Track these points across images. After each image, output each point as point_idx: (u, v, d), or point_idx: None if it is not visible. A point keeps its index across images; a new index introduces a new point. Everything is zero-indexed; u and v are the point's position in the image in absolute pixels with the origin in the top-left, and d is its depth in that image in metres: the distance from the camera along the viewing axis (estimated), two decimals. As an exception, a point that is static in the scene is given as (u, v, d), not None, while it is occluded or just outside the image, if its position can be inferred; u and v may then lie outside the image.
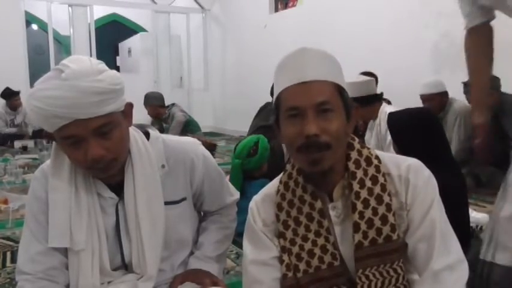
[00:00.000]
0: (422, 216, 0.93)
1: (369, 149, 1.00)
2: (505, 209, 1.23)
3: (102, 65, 1.00)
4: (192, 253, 1.27)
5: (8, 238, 2.63)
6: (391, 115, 1.89)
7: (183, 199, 1.20)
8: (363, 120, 3.44)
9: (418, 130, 1.73)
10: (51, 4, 7.70)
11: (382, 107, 3.21)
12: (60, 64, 0.97)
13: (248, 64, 7.69)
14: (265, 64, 6.31)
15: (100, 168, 1.02)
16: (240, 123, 6.94)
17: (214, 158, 1.35)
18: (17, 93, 6.34)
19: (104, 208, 1.12)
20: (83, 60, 0.98)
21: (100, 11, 9.18)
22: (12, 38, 7.24)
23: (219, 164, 1.35)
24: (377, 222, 0.92)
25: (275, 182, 1.06)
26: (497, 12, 1.41)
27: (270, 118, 3.58)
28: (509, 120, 2.99)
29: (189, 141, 1.25)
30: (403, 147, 1.77)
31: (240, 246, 1.45)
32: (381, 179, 0.94)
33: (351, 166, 0.96)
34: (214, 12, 8.88)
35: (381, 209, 0.92)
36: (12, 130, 6.51)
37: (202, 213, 1.36)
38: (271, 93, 4.14)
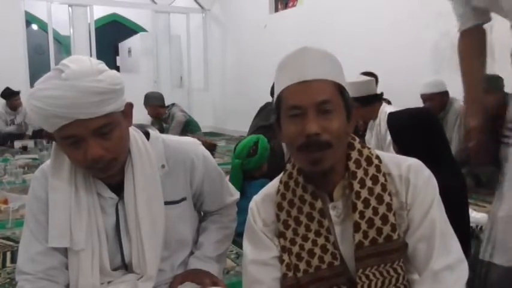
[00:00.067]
0: (422, 216, 0.93)
1: (369, 148, 1.00)
2: (502, 209, 1.23)
3: (102, 65, 1.00)
4: (192, 253, 1.27)
5: (8, 238, 2.63)
6: (391, 115, 1.89)
7: (183, 199, 1.20)
8: (363, 120, 3.44)
9: (418, 130, 1.73)
10: (51, 4, 7.70)
11: (382, 107, 3.21)
12: (60, 64, 0.97)
13: (248, 64, 7.69)
14: (265, 64, 6.30)
15: (100, 168, 1.02)
16: (240, 123, 6.94)
17: (214, 158, 1.35)
18: (17, 93, 6.34)
19: (104, 208, 1.12)
20: (83, 60, 0.98)
21: (100, 11, 9.18)
22: (12, 38, 7.24)
23: (219, 164, 1.35)
24: (377, 222, 0.92)
25: (275, 182, 1.06)
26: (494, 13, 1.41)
27: (270, 118, 3.58)
28: None
29: (189, 141, 1.25)
30: (402, 147, 1.77)
31: (240, 246, 1.45)
32: (382, 179, 0.94)
33: (352, 166, 0.96)
34: (214, 12, 8.88)
35: (382, 209, 0.92)
36: (12, 128, 6.51)
37: (202, 213, 1.36)
38: (271, 93, 4.14)
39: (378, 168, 0.95)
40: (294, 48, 0.95)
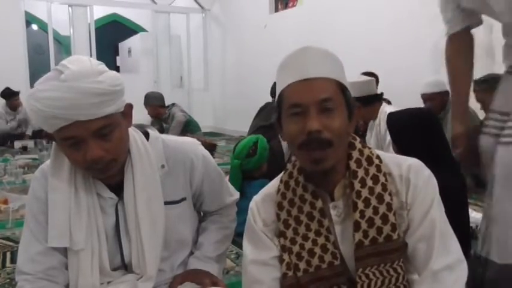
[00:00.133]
0: (422, 216, 0.93)
1: (370, 148, 1.00)
2: (494, 209, 1.24)
3: (102, 66, 1.00)
4: (191, 253, 1.27)
5: (8, 238, 2.63)
6: (391, 115, 1.89)
7: (183, 199, 1.20)
8: (363, 120, 3.44)
9: (418, 130, 1.73)
10: (51, 4, 7.70)
11: (382, 107, 3.21)
12: (60, 65, 0.97)
13: (248, 64, 7.69)
14: (265, 64, 6.31)
15: (99, 169, 1.02)
16: (240, 123, 6.94)
17: (214, 158, 1.35)
18: (17, 93, 6.34)
19: (104, 208, 1.12)
20: (83, 61, 0.98)
21: (100, 11, 9.18)
22: (12, 38, 7.24)
23: (218, 164, 1.35)
24: (378, 222, 0.92)
25: (275, 181, 1.06)
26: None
27: (270, 118, 3.58)
28: None
29: (189, 141, 1.25)
30: (402, 147, 1.77)
31: (240, 246, 1.45)
32: (382, 179, 0.94)
33: (352, 165, 0.96)
34: (214, 12, 8.88)
35: (382, 208, 0.92)
36: (13, 124, 6.51)
37: (202, 214, 1.36)
38: (271, 94, 4.15)
39: (379, 168, 0.96)
40: (294, 48, 0.95)
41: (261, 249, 1.01)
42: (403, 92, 3.87)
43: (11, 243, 2.54)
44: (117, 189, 1.12)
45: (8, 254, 2.38)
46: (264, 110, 3.96)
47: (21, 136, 6.47)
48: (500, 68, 1.47)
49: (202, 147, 1.26)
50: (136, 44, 9.80)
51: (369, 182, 0.94)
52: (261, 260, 1.00)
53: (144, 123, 1.33)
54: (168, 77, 9.09)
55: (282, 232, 0.99)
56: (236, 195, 1.39)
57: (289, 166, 1.04)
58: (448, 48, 1.49)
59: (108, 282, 1.13)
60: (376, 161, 0.96)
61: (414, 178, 0.94)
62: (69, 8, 7.95)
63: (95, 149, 0.97)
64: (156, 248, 1.13)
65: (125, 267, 1.16)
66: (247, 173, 2.58)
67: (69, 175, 1.08)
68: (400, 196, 0.95)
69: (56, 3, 7.83)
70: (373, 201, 0.93)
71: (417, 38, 4.56)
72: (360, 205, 0.93)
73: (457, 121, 1.47)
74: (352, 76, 3.01)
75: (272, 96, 4.10)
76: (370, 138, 3.30)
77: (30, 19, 8.98)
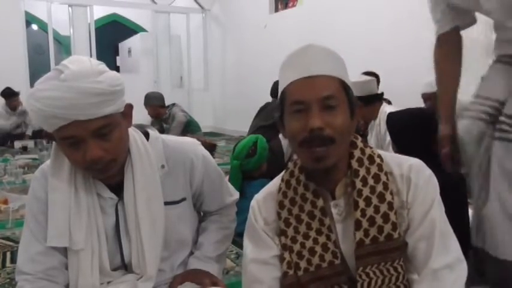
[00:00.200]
0: (422, 215, 0.93)
1: (371, 148, 1.00)
2: (490, 206, 1.25)
3: (102, 66, 1.00)
4: (191, 253, 1.27)
5: (8, 238, 2.63)
6: (391, 116, 1.89)
7: (183, 199, 1.20)
8: (363, 120, 3.44)
9: (418, 130, 1.73)
10: (51, 4, 7.70)
11: (382, 107, 3.21)
12: (60, 65, 0.97)
13: (248, 64, 7.69)
14: (265, 64, 6.31)
15: (98, 169, 1.01)
16: (240, 123, 6.94)
17: (214, 158, 1.35)
18: (17, 93, 6.35)
19: (104, 208, 1.12)
20: (83, 61, 0.98)
21: (100, 11, 9.19)
22: (12, 38, 7.25)
23: (218, 164, 1.35)
24: (379, 220, 0.92)
25: (277, 180, 1.06)
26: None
27: (270, 118, 3.58)
28: None
29: (189, 141, 1.25)
30: (402, 147, 1.76)
31: (240, 246, 1.45)
32: (383, 178, 0.95)
33: (354, 164, 0.96)
34: (214, 12, 8.89)
35: (383, 207, 0.93)
36: (13, 121, 6.51)
37: (201, 214, 1.36)
38: (271, 94, 4.15)
39: (380, 167, 0.96)
40: (294, 48, 0.95)
41: (261, 248, 1.01)
42: (403, 92, 3.86)
43: (11, 243, 2.54)
44: (117, 189, 1.12)
45: (8, 254, 2.38)
46: (264, 110, 3.96)
47: (21, 136, 6.48)
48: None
49: (202, 147, 1.26)
50: (136, 44, 9.80)
51: (370, 181, 0.94)
52: (262, 259, 1.00)
53: (144, 123, 1.33)
54: (168, 77, 9.09)
55: (283, 231, 0.99)
56: (236, 195, 1.39)
57: (290, 165, 1.04)
58: (437, 51, 1.51)
59: (108, 282, 1.13)
60: (378, 160, 0.97)
61: (415, 178, 0.95)
62: (69, 8, 7.95)
63: (94, 148, 0.97)
64: (156, 248, 1.13)
65: (125, 267, 1.16)
66: (247, 173, 2.57)
67: (69, 175, 1.08)
68: (401, 195, 0.95)
69: (56, 3, 7.83)
70: (375, 200, 0.93)
71: (417, 38, 4.55)
72: (361, 204, 0.93)
73: (443, 122, 1.49)
74: (352, 76, 2.99)
75: (272, 96, 4.10)
76: (371, 139, 3.30)
77: (30, 19, 8.98)
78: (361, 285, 0.92)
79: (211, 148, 4.91)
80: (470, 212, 1.43)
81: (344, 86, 0.93)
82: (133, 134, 1.12)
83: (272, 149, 2.79)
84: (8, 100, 6.40)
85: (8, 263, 2.27)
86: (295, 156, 1.04)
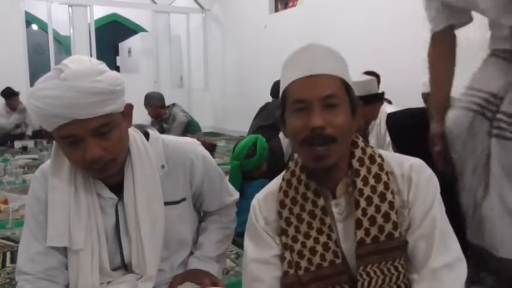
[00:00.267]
0: (423, 214, 0.93)
1: (372, 147, 1.00)
2: (489, 204, 1.25)
3: (102, 66, 1.00)
4: (191, 253, 1.27)
5: (8, 238, 2.63)
6: (390, 116, 1.89)
7: (183, 199, 1.20)
8: (364, 119, 3.43)
9: (418, 130, 1.72)
10: (51, 4, 7.71)
11: (382, 107, 3.21)
12: (60, 64, 0.97)
13: (248, 64, 7.69)
14: (265, 64, 6.32)
15: (98, 168, 1.01)
16: (240, 123, 6.94)
17: (214, 158, 1.35)
18: (17, 94, 6.36)
19: (104, 208, 1.12)
20: (83, 60, 0.98)
21: (100, 11, 9.19)
22: (12, 38, 7.25)
23: (218, 164, 1.35)
24: (379, 220, 0.92)
25: (277, 179, 1.06)
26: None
27: (270, 118, 3.58)
28: None
29: (189, 141, 1.25)
30: (401, 147, 1.76)
31: (240, 246, 1.45)
32: (384, 177, 0.95)
33: (355, 164, 0.96)
34: (214, 12, 8.89)
35: (384, 207, 0.93)
36: (13, 119, 6.51)
37: (202, 214, 1.36)
38: (271, 94, 4.14)
39: (381, 167, 0.96)
40: (294, 48, 0.95)
41: (262, 247, 1.01)
42: (404, 92, 3.86)
43: (11, 243, 2.54)
44: (117, 189, 1.12)
45: (8, 254, 2.38)
46: (264, 110, 3.95)
47: (21, 136, 6.48)
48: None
49: (202, 148, 1.26)
50: (136, 44, 9.80)
51: (371, 181, 0.94)
52: (262, 258, 1.00)
53: (144, 123, 1.33)
54: (168, 77, 9.09)
55: (284, 230, 0.99)
56: (236, 195, 1.39)
57: (291, 164, 1.04)
58: (431, 50, 1.51)
59: (108, 282, 1.13)
60: (379, 160, 0.97)
61: (416, 177, 0.95)
62: (69, 8, 7.95)
63: (94, 147, 0.97)
64: (156, 248, 1.13)
65: (125, 267, 1.16)
66: (247, 173, 2.57)
67: (69, 175, 1.08)
68: (401, 195, 0.95)
69: (56, 3, 7.83)
70: (375, 200, 0.93)
71: (417, 38, 4.52)
72: (362, 203, 0.93)
73: (435, 120, 1.49)
74: (353, 76, 2.99)
75: (272, 96, 4.10)
76: (372, 139, 3.30)
77: (30, 19, 8.98)
78: (362, 285, 0.92)
79: (211, 148, 4.91)
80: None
81: (345, 85, 0.93)
82: (133, 134, 1.12)
83: (272, 149, 2.79)
84: (8, 100, 6.41)
85: (8, 263, 2.26)
86: (295, 156, 1.04)
